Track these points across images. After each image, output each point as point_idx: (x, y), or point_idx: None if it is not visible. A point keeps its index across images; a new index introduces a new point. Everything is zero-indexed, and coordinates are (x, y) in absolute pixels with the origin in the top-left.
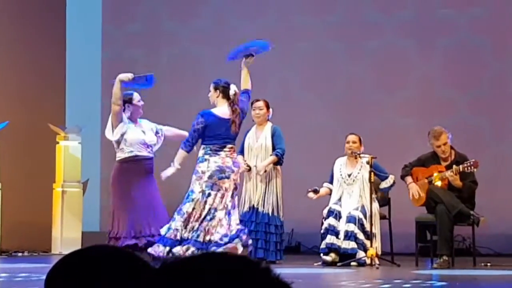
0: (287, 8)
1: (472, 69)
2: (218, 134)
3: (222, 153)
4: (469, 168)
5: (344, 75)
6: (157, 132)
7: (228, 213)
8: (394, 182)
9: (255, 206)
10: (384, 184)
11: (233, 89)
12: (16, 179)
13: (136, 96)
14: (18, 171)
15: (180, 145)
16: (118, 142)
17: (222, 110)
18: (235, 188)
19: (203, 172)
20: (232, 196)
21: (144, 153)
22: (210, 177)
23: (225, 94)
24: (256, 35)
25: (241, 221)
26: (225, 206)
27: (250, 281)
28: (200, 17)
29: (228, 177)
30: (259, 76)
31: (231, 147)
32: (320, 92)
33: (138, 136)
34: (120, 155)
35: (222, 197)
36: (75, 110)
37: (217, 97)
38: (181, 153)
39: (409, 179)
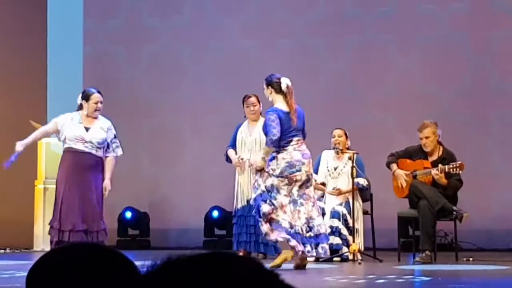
0: (269, 4)
1: (453, 64)
2: (285, 130)
3: (289, 148)
4: (454, 169)
5: (325, 70)
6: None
7: (294, 202)
8: (368, 186)
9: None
10: (359, 180)
11: (284, 82)
12: None
13: (95, 97)
14: None
15: (268, 144)
16: (60, 139)
17: (282, 105)
18: (307, 180)
19: (273, 170)
20: (301, 187)
21: (80, 147)
22: (280, 173)
23: (278, 89)
24: (237, 31)
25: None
26: (290, 195)
27: (243, 278)
28: (182, 13)
29: (299, 170)
30: (241, 72)
31: (298, 140)
32: (301, 87)
33: (76, 131)
34: (63, 148)
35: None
36: (57, 106)
37: (271, 93)
38: (267, 150)
39: (394, 166)
